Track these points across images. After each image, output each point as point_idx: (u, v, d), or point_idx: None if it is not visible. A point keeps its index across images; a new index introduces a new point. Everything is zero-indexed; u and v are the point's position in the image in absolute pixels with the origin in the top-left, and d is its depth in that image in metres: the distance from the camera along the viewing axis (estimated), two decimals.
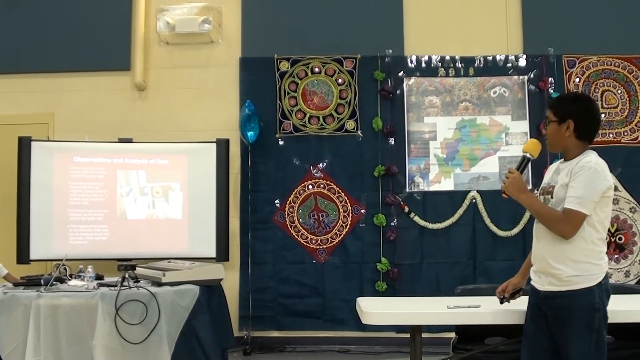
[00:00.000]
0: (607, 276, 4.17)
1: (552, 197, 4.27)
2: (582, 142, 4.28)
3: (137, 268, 6.94)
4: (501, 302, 4.73)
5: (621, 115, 8.42)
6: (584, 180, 4.08)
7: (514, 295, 4.74)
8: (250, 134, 8.22)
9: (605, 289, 4.13)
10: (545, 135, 4.45)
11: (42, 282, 6.36)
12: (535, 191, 4.62)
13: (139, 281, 6.51)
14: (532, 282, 4.40)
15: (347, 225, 8.46)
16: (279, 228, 8.50)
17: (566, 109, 4.29)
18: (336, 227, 8.46)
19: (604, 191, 4.11)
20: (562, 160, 4.40)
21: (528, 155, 4.46)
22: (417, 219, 8.39)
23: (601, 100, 8.42)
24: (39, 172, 7.76)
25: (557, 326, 4.16)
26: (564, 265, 4.12)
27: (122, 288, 6.18)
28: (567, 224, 4.09)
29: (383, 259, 8.34)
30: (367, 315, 4.84)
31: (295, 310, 8.42)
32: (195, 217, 8.10)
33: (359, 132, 8.51)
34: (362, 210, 8.46)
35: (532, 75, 8.49)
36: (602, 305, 4.09)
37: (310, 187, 8.52)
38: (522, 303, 4.65)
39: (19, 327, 6.06)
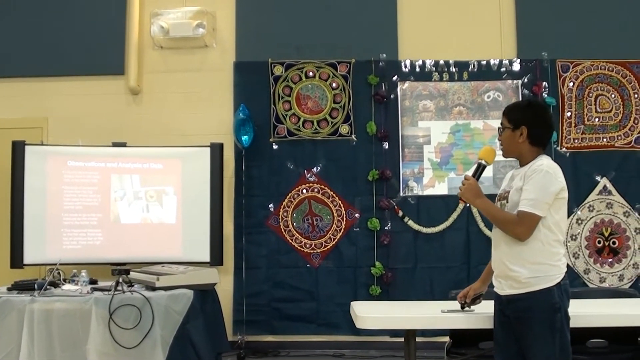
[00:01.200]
0: (566, 277, 4.21)
1: (507, 202, 4.34)
2: (535, 148, 4.39)
3: (131, 272, 6.94)
4: (462, 308, 4.80)
5: (615, 120, 8.44)
6: (536, 183, 4.17)
7: (474, 300, 4.80)
8: (244, 138, 8.22)
9: (564, 290, 4.19)
10: (499, 141, 4.52)
11: (35, 286, 6.37)
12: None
13: (132, 285, 6.51)
14: (494, 289, 4.46)
15: (341, 229, 8.46)
16: (273, 232, 8.50)
17: (519, 116, 4.41)
18: (330, 231, 8.46)
19: (557, 192, 4.18)
20: (518, 167, 4.46)
21: (483, 162, 4.58)
22: (411, 223, 8.39)
23: (595, 104, 8.44)
24: (33, 176, 7.74)
25: (520, 328, 4.23)
26: (522, 267, 4.19)
27: (116, 292, 6.19)
28: (522, 226, 4.18)
29: (377, 263, 8.34)
30: (361, 319, 4.85)
31: (289, 315, 8.42)
32: (189, 221, 8.08)
33: (353, 136, 8.52)
34: (356, 215, 8.47)
35: (526, 80, 8.51)
36: (562, 305, 4.15)
37: (304, 191, 8.52)
38: None
39: (12, 332, 6.06)
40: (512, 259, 4.24)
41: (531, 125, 4.34)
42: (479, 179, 4.51)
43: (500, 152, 4.56)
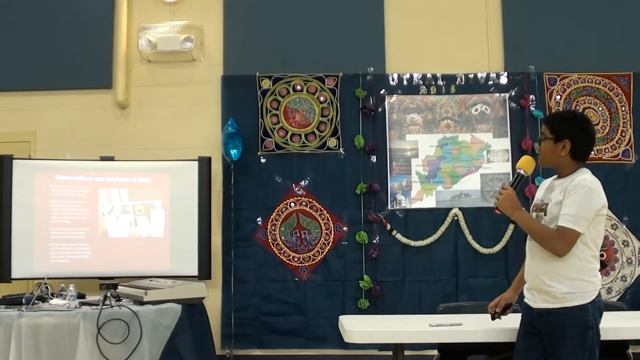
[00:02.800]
0: (600, 294, 4.20)
1: (545, 215, 4.31)
2: (576, 162, 4.35)
3: (118, 287, 6.94)
4: (493, 318, 4.75)
5: (602, 133, 8.46)
6: (578, 199, 4.12)
7: (504, 310, 4.76)
8: (233, 152, 8.21)
9: (598, 307, 4.18)
10: (538, 150, 4.49)
11: (23, 301, 6.35)
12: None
13: (120, 300, 6.51)
14: (525, 300, 4.44)
15: (329, 242, 8.46)
16: (260, 246, 8.49)
17: (563, 128, 4.35)
18: (318, 245, 8.46)
19: (598, 209, 4.16)
20: (555, 177, 4.43)
21: (522, 171, 4.52)
22: (399, 236, 8.39)
23: None
24: (21, 191, 7.71)
25: (550, 343, 4.19)
26: (558, 282, 4.16)
27: (103, 307, 6.18)
28: (561, 242, 4.14)
29: (365, 277, 8.33)
30: (350, 333, 4.85)
31: (277, 329, 8.39)
32: (177, 235, 8.06)
33: (340, 149, 8.52)
34: (344, 228, 8.46)
35: (513, 93, 8.53)
36: (595, 323, 4.13)
37: (292, 204, 8.51)
38: (505, 321, 4.67)
39: (0, 347, 6.03)
40: (548, 274, 4.21)
41: (575, 140, 4.32)
42: (517, 189, 4.47)
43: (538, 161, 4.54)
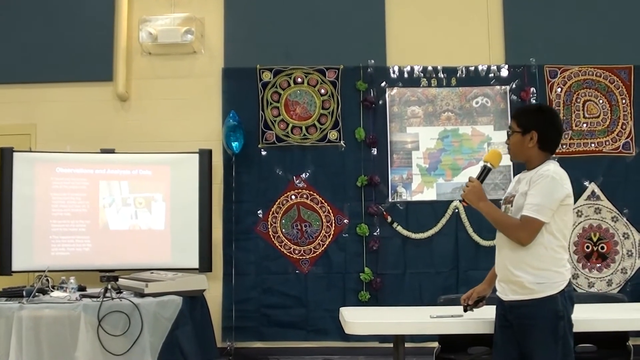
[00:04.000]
0: (571, 284, 4.20)
1: (512, 206, 4.32)
2: (544, 153, 4.37)
3: (119, 279, 6.94)
4: (465, 310, 4.77)
5: (603, 125, 8.46)
6: (541, 188, 4.15)
7: (477, 303, 4.77)
8: (235, 144, 8.20)
9: (569, 297, 4.17)
10: (507, 145, 4.51)
11: (24, 293, 6.34)
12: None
13: (121, 292, 6.50)
14: (497, 293, 4.44)
15: (330, 235, 8.46)
16: (261, 238, 8.49)
17: (530, 120, 4.39)
18: (319, 237, 8.46)
19: (561, 199, 4.16)
20: (525, 170, 4.45)
21: (489, 165, 4.55)
22: (399, 228, 8.40)
23: (583, 110, 8.47)
24: (21, 183, 7.72)
25: (522, 335, 4.20)
26: (524, 272, 4.17)
27: (104, 299, 6.18)
28: (524, 231, 4.16)
29: (366, 269, 8.34)
30: (350, 325, 4.85)
31: (278, 321, 8.40)
32: (178, 227, 8.07)
33: (341, 142, 8.52)
34: (345, 220, 8.47)
35: (514, 86, 8.53)
36: (566, 313, 4.12)
37: (293, 197, 8.51)
38: None
39: (1, 339, 6.06)
40: (515, 264, 4.22)
41: (541, 131, 4.33)
42: (483, 181, 4.48)
43: (508, 156, 4.56)
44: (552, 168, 4.24)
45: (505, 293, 4.32)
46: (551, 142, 4.39)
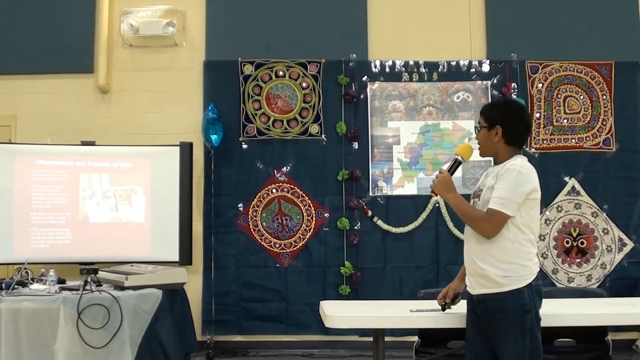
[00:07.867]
0: (538, 277, 4.20)
1: (479, 200, 4.34)
2: (511, 147, 4.37)
3: (99, 272, 6.90)
4: (443, 309, 4.77)
5: (583, 121, 8.50)
6: (507, 182, 4.16)
7: (454, 300, 4.78)
8: (214, 137, 8.20)
9: (536, 290, 4.18)
10: (477, 140, 4.53)
11: (3, 286, 6.31)
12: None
13: (101, 285, 6.47)
14: (467, 287, 4.45)
15: (310, 229, 8.47)
16: (242, 232, 8.49)
17: (495, 115, 4.40)
18: (300, 231, 8.46)
19: (527, 193, 4.18)
20: (494, 165, 4.47)
21: (459, 158, 4.56)
22: (380, 223, 8.41)
23: (564, 105, 8.50)
24: (1, 175, 7.67)
25: (490, 329, 4.22)
26: (490, 265, 4.17)
27: (84, 292, 6.14)
28: (489, 224, 4.18)
29: (346, 263, 8.35)
30: (330, 318, 4.85)
31: (258, 315, 8.41)
32: (158, 220, 8.05)
33: (322, 136, 8.52)
34: (326, 214, 8.47)
35: (495, 81, 8.56)
36: (532, 306, 4.13)
37: (274, 190, 8.51)
38: None
39: None
40: (481, 257, 4.23)
41: (506, 125, 4.33)
42: (453, 174, 4.48)
43: (478, 151, 4.57)
44: (518, 162, 4.26)
45: (473, 287, 4.33)
46: (517, 137, 4.39)
